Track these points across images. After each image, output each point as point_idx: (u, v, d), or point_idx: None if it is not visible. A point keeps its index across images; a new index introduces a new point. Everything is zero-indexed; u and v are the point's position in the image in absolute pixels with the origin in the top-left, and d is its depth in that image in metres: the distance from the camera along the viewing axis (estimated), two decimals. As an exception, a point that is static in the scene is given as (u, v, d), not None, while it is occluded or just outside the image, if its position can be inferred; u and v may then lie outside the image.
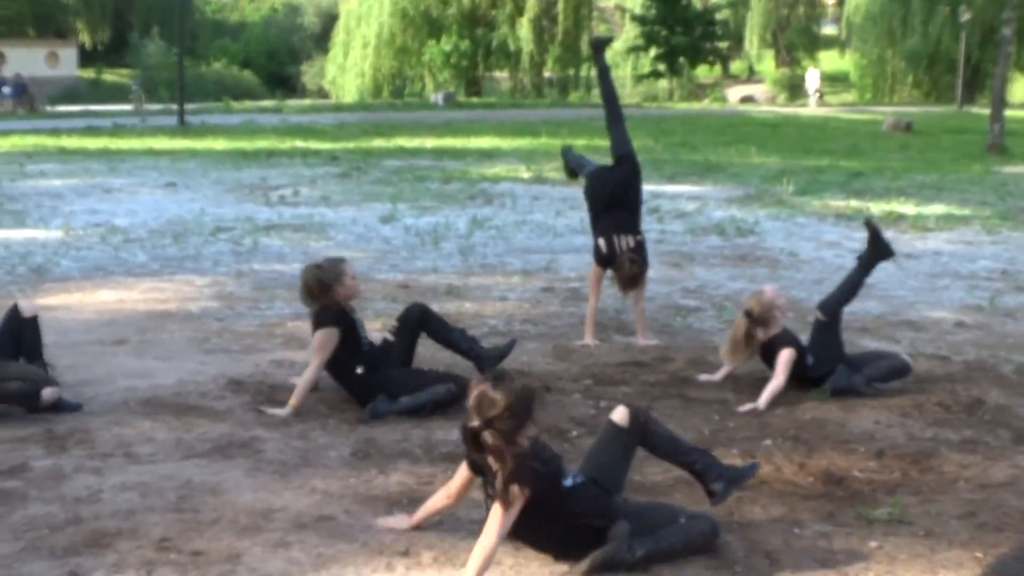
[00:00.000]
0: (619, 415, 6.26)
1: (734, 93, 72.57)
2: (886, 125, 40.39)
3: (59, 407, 7.94)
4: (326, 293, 8.28)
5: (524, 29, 65.26)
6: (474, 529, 6.05)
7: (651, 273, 11.30)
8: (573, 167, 10.93)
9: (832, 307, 9.18)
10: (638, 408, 6.41)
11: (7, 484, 6.64)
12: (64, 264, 13.65)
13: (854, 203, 19.77)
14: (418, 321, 8.71)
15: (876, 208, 18.92)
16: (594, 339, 10.19)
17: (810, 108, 59.36)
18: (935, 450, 7.56)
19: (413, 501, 6.32)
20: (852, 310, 11.43)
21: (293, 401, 8.04)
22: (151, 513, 6.26)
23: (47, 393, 7.83)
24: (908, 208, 19.06)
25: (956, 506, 6.61)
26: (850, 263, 13.39)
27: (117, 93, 64.76)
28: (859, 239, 15.09)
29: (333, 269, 8.41)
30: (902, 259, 13.69)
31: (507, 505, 5.36)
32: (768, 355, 8.80)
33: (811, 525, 6.28)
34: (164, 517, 6.19)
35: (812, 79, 65.42)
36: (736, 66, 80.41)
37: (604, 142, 11.32)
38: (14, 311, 8.40)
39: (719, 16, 74.33)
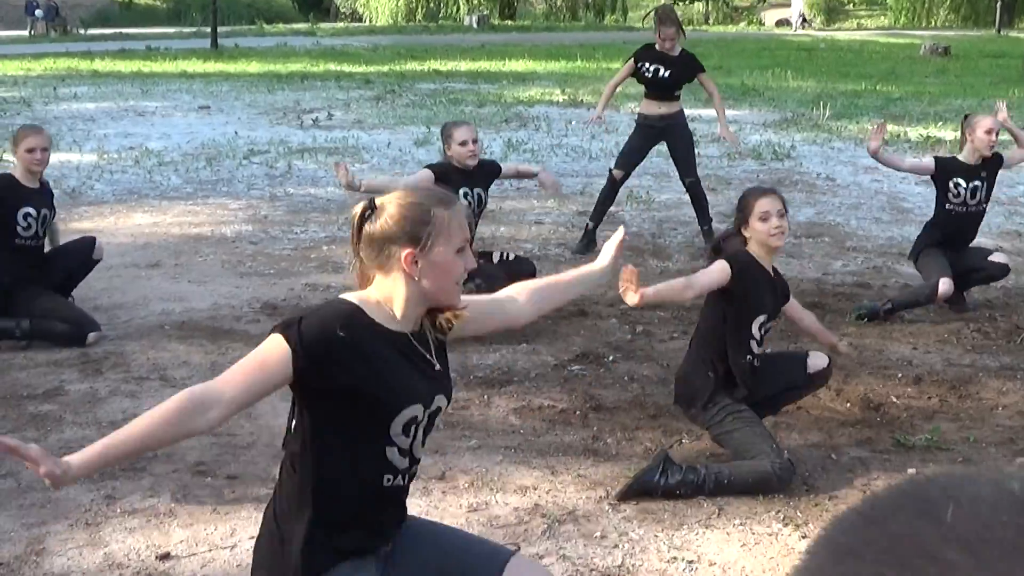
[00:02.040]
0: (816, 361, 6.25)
1: (770, 16, 71.87)
2: (923, 49, 39.92)
3: None
4: (445, 145, 8.54)
5: (558, -49, 64.76)
6: (509, 454, 6.05)
7: (685, 198, 11.27)
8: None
9: None
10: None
11: (43, 407, 6.66)
12: (98, 187, 13.65)
13: (891, 128, 19.57)
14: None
15: (913, 133, 18.74)
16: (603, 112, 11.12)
17: (793, 30, 58.97)
18: (973, 376, 7.50)
19: (448, 425, 6.30)
20: (890, 235, 11.39)
21: (362, 184, 8.12)
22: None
23: (91, 338, 7.85)
24: (946, 133, 18.84)
25: (994, 433, 6.57)
26: (888, 187, 13.30)
27: (150, 16, 64.65)
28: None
29: (447, 127, 8.64)
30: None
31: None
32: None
33: (848, 451, 6.25)
34: (199, 441, 6.19)
35: (796, 3, 64.68)
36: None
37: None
38: (90, 247, 8.39)
39: (756, -62, 73.57)
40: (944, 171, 8.69)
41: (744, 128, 19.06)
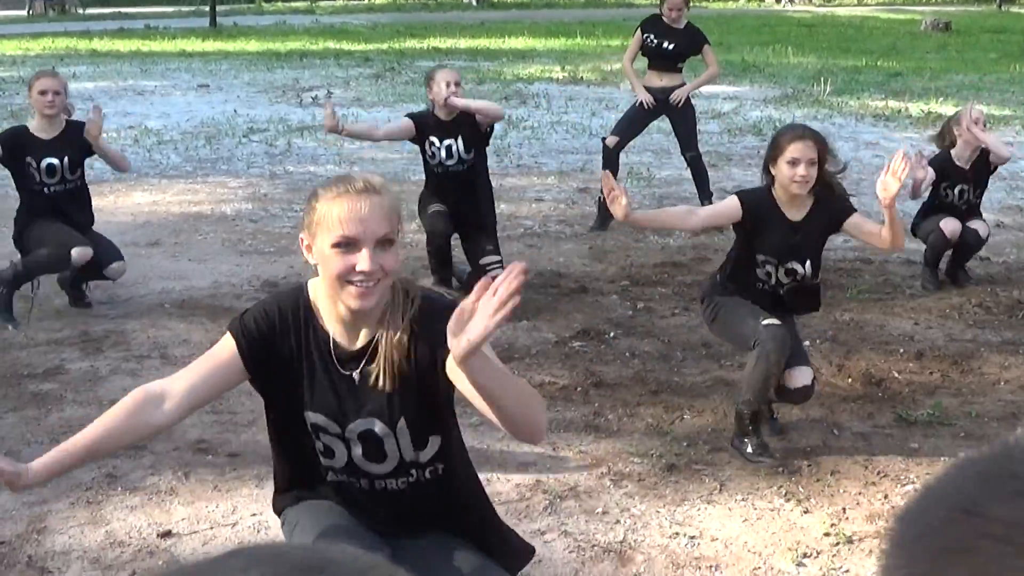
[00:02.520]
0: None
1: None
2: (924, 25, 39.81)
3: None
4: (427, 90, 8.46)
5: (558, -72, 64.52)
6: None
7: (686, 174, 11.26)
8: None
9: None
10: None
11: (43, 386, 6.66)
12: (97, 166, 13.54)
13: (892, 103, 19.52)
14: None
15: (915, 109, 18.69)
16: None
17: (782, 6, 58.82)
18: (975, 351, 7.49)
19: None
20: (891, 210, 11.35)
21: (344, 128, 8.15)
22: (187, 415, 6.25)
23: (76, 253, 7.78)
24: (947, 109, 18.77)
25: (996, 407, 6.56)
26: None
27: (149, -5, 64.40)
28: (898, 139, 14.95)
29: (431, 71, 8.53)
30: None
31: None
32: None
33: (850, 427, 6.25)
34: (200, 419, 6.19)
35: None
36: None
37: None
38: (112, 258, 8.25)
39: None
40: (937, 175, 8.72)
41: (744, 104, 19.03)
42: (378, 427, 3.30)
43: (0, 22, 42.14)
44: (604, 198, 10.50)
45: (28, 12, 51.43)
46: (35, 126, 8.03)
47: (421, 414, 3.32)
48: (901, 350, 7.48)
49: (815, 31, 37.92)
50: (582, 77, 23.46)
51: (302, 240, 3.24)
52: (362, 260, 3.09)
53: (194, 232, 10.42)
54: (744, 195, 5.92)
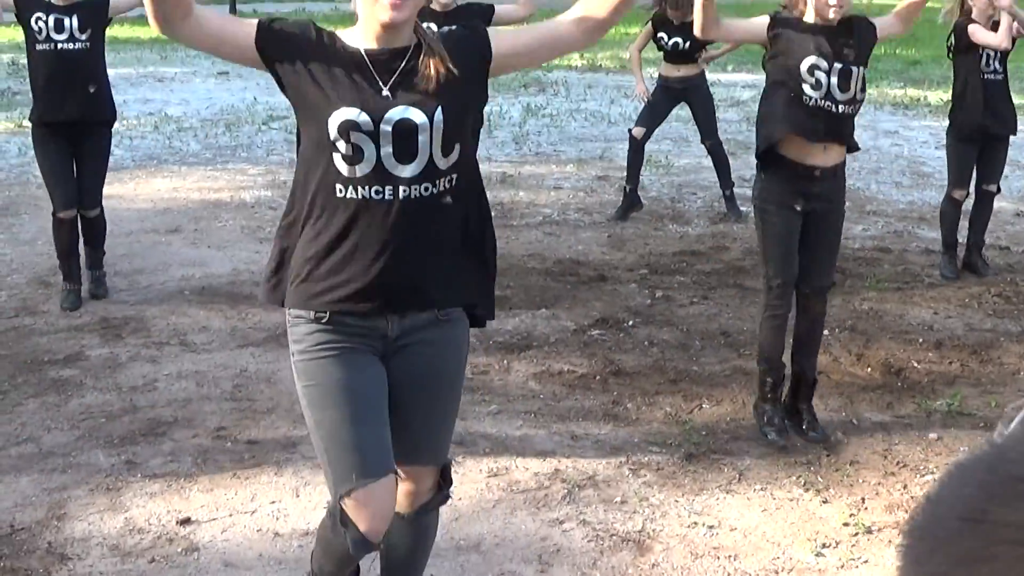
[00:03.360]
0: None
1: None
2: (944, 13, 39.67)
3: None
4: None
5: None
6: (529, 420, 6.05)
7: (705, 162, 11.25)
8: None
9: None
10: None
11: (64, 372, 6.68)
12: (118, 153, 13.62)
13: (911, 92, 19.46)
14: None
15: (934, 97, 18.63)
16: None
17: None
18: (994, 341, 7.47)
19: (468, 391, 6.30)
20: (910, 199, 11.36)
21: None
22: (207, 402, 6.28)
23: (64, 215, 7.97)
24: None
25: (1016, 397, 6.50)
26: (908, 151, 13.24)
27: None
28: (915, 127, 14.91)
29: None
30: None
31: None
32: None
33: (870, 416, 6.24)
34: (220, 406, 6.21)
35: None
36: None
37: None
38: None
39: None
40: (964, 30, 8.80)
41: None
42: (416, 115, 3.36)
43: (20, 8, 42.20)
44: (630, 188, 10.51)
45: None
46: None
47: (453, 112, 3.40)
48: (920, 339, 7.47)
49: (835, 19, 37.76)
50: (601, 65, 23.44)
51: None
52: None
53: (213, 219, 10.43)
54: (772, 13, 5.80)
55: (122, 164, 12.88)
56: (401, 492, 3.66)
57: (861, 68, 5.71)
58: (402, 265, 3.42)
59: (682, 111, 11.25)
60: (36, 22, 7.75)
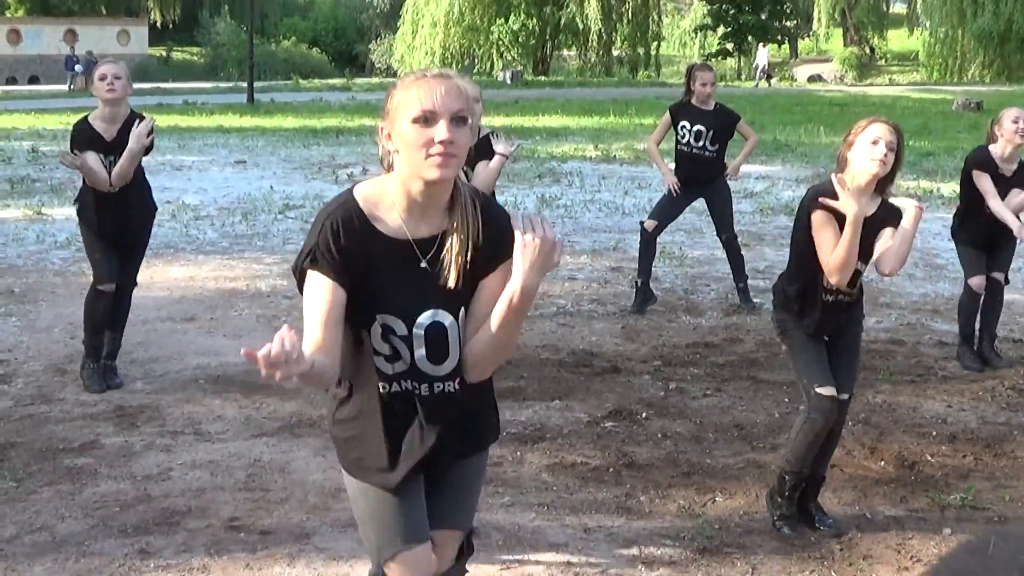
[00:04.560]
0: None
1: (802, 72, 71.96)
2: (956, 104, 39.88)
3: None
4: None
5: (592, 8, 64.98)
6: (542, 512, 6.05)
7: (719, 254, 11.28)
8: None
9: None
10: None
11: (78, 461, 6.69)
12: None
13: (924, 183, 19.54)
14: None
15: (947, 189, 18.69)
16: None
17: (754, 86, 58.99)
18: (1008, 434, 7.47)
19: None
20: (923, 291, 11.37)
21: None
22: (220, 491, 6.29)
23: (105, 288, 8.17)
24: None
25: (1031, 492, 6.52)
26: (921, 244, 13.26)
27: (187, 71, 65.25)
28: (929, 218, 14.94)
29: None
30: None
31: None
32: None
33: (883, 510, 6.22)
34: (233, 496, 6.22)
35: (761, 58, 64.63)
36: (804, 45, 79.65)
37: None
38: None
39: (788, -5, 73.68)
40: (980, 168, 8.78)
41: (777, 184, 19.09)
42: (446, 319, 3.51)
43: (42, 96, 42.68)
44: (642, 281, 10.53)
45: (69, 87, 52.13)
46: (96, 115, 8.08)
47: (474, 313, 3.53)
48: (934, 433, 7.46)
49: (847, 110, 38.01)
50: (615, 156, 23.59)
51: (381, 130, 3.45)
52: (440, 130, 3.30)
53: (229, 308, 10.48)
54: (811, 189, 5.85)
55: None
56: None
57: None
58: (439, 440, 3.64)
59: (696, 203, 11.30)
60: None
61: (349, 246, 3.40)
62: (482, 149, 7.88)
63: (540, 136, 27.75)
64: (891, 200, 5.80)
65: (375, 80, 61.68)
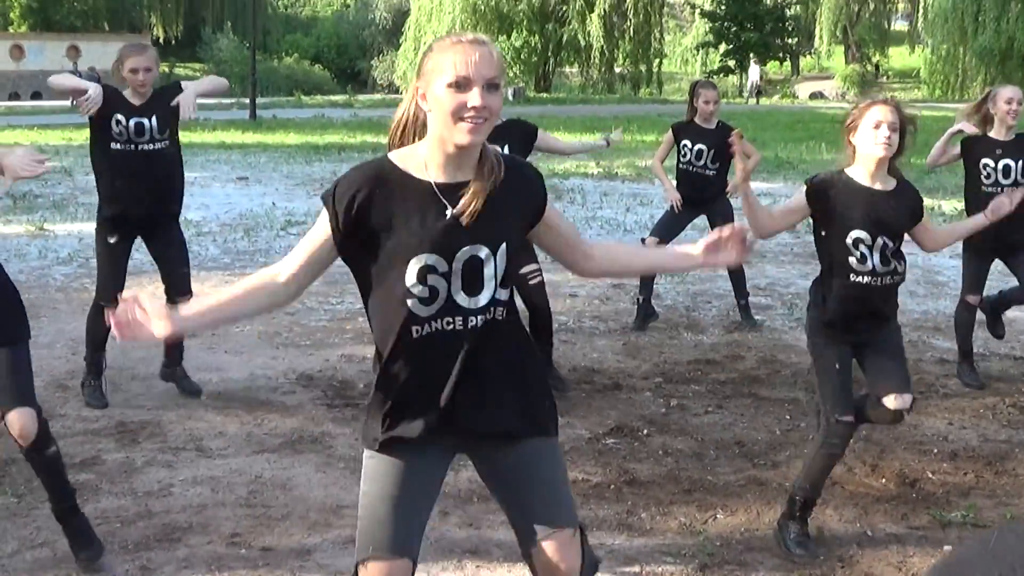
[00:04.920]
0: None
1: (804, 89, 72.06)
2: (962, 115, 39.78)
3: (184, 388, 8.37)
4: None
5: (594, 25, 65.13)
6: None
7: (720, 271, 11.28)
8: None
9: None
10: None
11: (79, 477, 6.69)
12: (136, 257, 13.61)
13: (927, 200, 19.49)
14: None
15: (948, 206, 18.71)
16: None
17: (745, 102, 59.02)
18: (1009, 452, 7.47)
19: (483, 498, 6.30)
20: (924, 309, 11.37)
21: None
22: (221, 508, 6.29)
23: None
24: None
25: (1032, 509, 6.52)
26: (923, 261, 13.27)
27: (189, 87, 65.17)
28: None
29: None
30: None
31: None
32: None
33: (884, 528, 6.22)
34: (234, 512, 6.23)
35: (753, 74, 64.67)
36: (806, 62, 79.75)
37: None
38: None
39: (789, 12, 73.70)
40: (971, 151, 8.66)
41: (779, 201, 19.06)
42: (483, 252, 3.60)
43: (45, 112, 42.74)
44: (643, 299, 10.53)
45: (72, 103, 52.12)
46: (128, 94, 8.08)
47: (512, 246, 3.66)
48: (935, 450, 7.47)
49: (850, 128, 37.96)
50: (617, 173, 23.61)
51: (416, 90, 3.62)
52: (473, 97, 3.47)
53: (230, 324, 10.48)
54: (806, 181, 5.86)
55: (141, 268, 12.95)
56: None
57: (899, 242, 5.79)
58: (471, 388, 3.67)
59: (698, 219, 11.30)
60: (116, 124, 7.93)
61: (376, 196, 3.56)
62: (509, 131, 8.08)
63: (541, 152, 27.71)
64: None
65: (377, 96, 61.79)
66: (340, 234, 3.56)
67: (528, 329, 4.00)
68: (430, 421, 3.67)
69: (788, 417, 8.07)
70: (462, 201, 3.56)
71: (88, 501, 6.35)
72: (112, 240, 8.13)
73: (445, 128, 3.52)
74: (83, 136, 29.41)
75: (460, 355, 3.62)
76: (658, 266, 4.16)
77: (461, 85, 3.46)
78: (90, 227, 14.93)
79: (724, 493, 6.67)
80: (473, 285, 3.60)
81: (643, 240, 10.84)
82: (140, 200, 8.00)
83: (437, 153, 3.60)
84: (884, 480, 6.94)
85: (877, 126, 5.57)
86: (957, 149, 8.81)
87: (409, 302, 3.58)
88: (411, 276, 3.55)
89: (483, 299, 3.62)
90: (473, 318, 3.61)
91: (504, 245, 3.62)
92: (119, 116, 7.92)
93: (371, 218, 3.55)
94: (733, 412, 8.16)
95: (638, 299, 10.71)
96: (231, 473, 6.83)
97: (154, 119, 7.96)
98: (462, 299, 3.59)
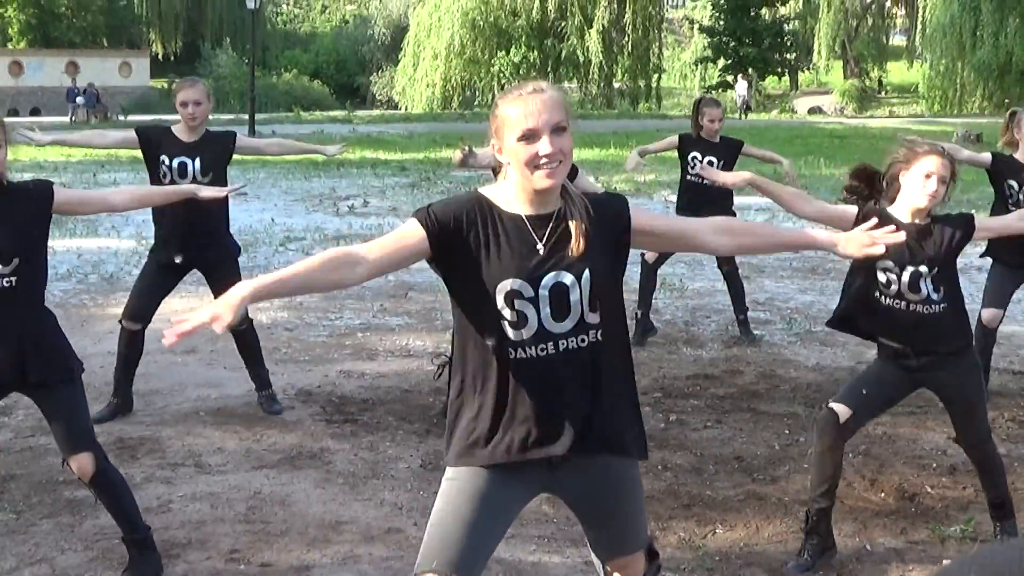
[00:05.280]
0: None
1: (802, 104, 72.13)
2: (956, 136, 39.80)
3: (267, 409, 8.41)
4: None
5: (593, 40, 65.13)
6: (542, 544, 6.04)
7: (720, 285, 11.28)
8: None
9: None
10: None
11: (78, 493, 6.68)
12: (136, 273, 13.69)
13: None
14: None
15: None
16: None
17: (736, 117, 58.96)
18: (1008, 466, 7.42)
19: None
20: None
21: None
22: (220, 524, 6.29)
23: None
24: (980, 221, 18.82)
25: (1031, 524, 6.52)
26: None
27: (188, 103, 65.21)
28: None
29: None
30: (973, 272, 13.53)
31: None
32: None
33: (883, 542, 6.22)
34: (233, 528, 6.22)
35: (740, 89, 64.66)
36: (804, 77, 79.81)
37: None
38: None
39: (788, 27, 73.75)
40: (999, 171, 8.62)
41: (777, 216, 19.08)
42: (567, 279, 3.72)
43: (43, 128, 42.65)
44: (642, 313, 10.53)
45: (71, 119, 52.28)
46: (178, 129, 8.15)
47: (597, 272, 3.76)
48: (934, 464, 7.46)
49: (847, 143, 38.08)
50: (616, 188, 23.61)
51: (493, 145, 3.79)
52: (543, 145, 3.65)
53: (230, 340, 10.40)
54: (861, 205, 5.85)
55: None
56: None
57: (939, 271, 5.80)
58: (562, 413, 3.78)
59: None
60: (161, 165, 8.03)
61: (467, 221, 3.73)
62: None
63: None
64: None
65: (376, 112, 61.83)
66: (436, 245, 3.70)
67: None
68: (515, 443, 3.78)
69: (787, 432, 8.07)
70: (571, 245, 3.73)
71: (87, 517, 6.35)
72: (152, 266, 8.33)
73: (524, 178, 3.71)
74: (81, 153, 29.47)
75: (553, 379, 3.75)
76: (789, 243, 4.34)
77: (530, 137, 3.65)
78: (88, 243, 14.92)
79: (723, 508, 6.67)
80: (560, 311, 3.72)
81: (642, 255, 10.83)
82: (183, 241, 8.13)
83: (522, 192, 3.77)
84: (883, 494, 6.94)
85: (928, 176, 5.59)
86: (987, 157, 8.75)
87: (503, 324, 3.72)
88: (499, 301, 3.70)
89: (571, 323, 3.74)
90: (565, 342, 3.73)
91: (587, 272, 3.73)
92: (164, 156, 7.98)
93: (468, 241, 3.72)
94: (732, 427, 8.16)
95: (636, 313, 10.70)
96: (230, 489, 6.83)
97: (197, 161, 8.01)
98: (551, 325, 3.72)
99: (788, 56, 73.45)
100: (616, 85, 70.00)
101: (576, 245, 3.72)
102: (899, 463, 7.46)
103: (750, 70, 68.63)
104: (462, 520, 3.77)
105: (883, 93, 76.07)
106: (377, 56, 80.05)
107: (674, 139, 10.87)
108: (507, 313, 3.70)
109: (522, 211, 3.77)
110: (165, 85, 73.78)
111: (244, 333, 8.44)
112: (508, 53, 65.48)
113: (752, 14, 69.44)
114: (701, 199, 10.48)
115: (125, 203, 6.17)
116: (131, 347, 8.27)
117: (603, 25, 65.18)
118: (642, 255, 10.93)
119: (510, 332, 3.72)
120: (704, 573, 5.79)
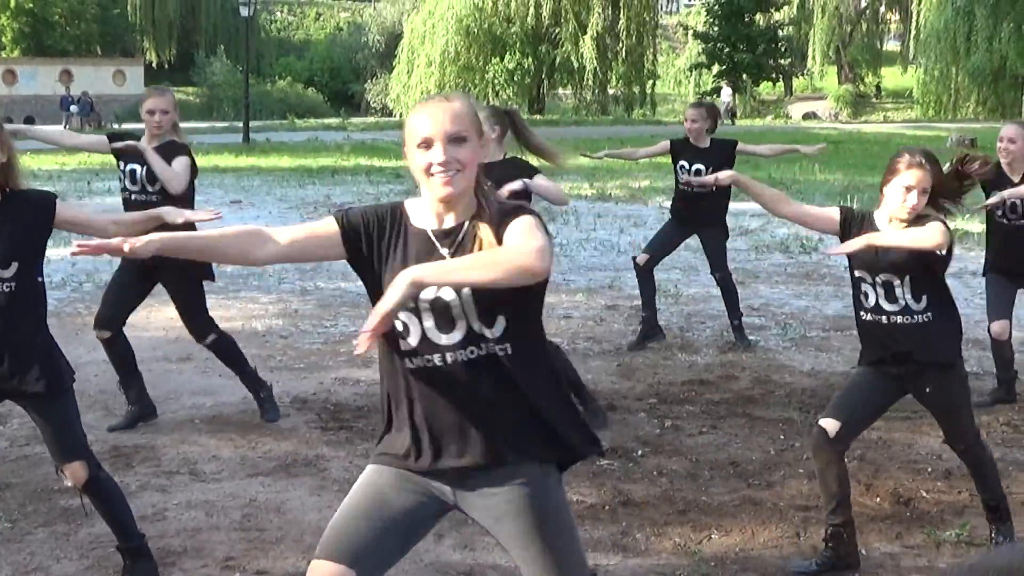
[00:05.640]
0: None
1: (797, 109, 72.20)
2: (950, 142, 39.88)
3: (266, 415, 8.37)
4: None
5: (587, 47, 65.14)
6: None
7: (714, 291, 11.29)
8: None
9: None
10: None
11: (73, 501, 6.68)
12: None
13: (958, 224, 19.51)
14: None
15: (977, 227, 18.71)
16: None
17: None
18: (1003, 471, 7.43)
19: (474, 520, 6.29)
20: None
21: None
22: (216, 531, 6.29)
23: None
24: (974, 225, 18.86)
25: (1026, 528, 6.52)
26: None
27: (183, 110, 65.10)
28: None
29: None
30: (967, 276, 13.54)
31: None
32: None
33: (879, 547, 6.23)
34: (229, 536, 6.22)
35: (725, 96, 64.68)
36: (799, 83, 79.92)
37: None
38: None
39: (782, 33, 73.84)
40: (989, 183, 8.61)
41: (772, 221, 19.10)
42: (448, 294, 3.67)
43: (38, 138, 42.63)
44: (647, 315, 10.53)
45: (64, 127, 52.16)
46: (145, 137, 8.17)
47: (480, 289, 3.62)
48: (929, 469, 7.47)
49: (841, 148, 38.11)
50: (610, 194, 23.65)
51: (405, 154, 3.80)
52: (435, 153, 3.65)
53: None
54: (846, 208, 5.94)
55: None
56: None
57: (910, 279, 5.76)
58: (468, 424, 3.75)
59: (691, 240, 11.32)
60: (120, 171, 8.20)
61: (379, 229, 3.79)
62: (507, 169, 8.04)
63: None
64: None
65: (371, 120, 61.85)
66: (350, 247, 3.78)
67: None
68: (410, 443, 3.81)
69: (782, 437, 8.07)
70: (464, 246, 3.70)
71: (82, 526, 6.35)
72: (122, 272, 8.23)
73: (424, 186, 3.73)
74: (76, 161, 29.47)
75: (454, 390, 3.73)
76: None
77: (425, 144, 3.67)
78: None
79: (718, 513, 6.67)
80: (445, 323, 3.70)
81: (635, 258, 10.85)
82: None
83: (431, 203, 3.77)
84: (878, 499, 6.94)
85: (909, 189, 5.63)
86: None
87: (395, 332, 3.73)
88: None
89: (458, 336, 3.70)
90: (453, 354, 3.70)
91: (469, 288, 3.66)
92: (120, 161, 8.02)
93: (378, 249, 3.78)
94: (727, 432, 8.16)
95: (642, 316, 10.70)
96: (225, 497, 6.82)
97: (145, 169, 8.01)
98: (436, 336, 3.71)
99: (782, 62, 73.56)
100: (611, 91, 70.07)
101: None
102: (894, 468, 7.47)
103: (744, 76, 68.69)
104: (354, 512, 3.83)
105: (877, 98, 76.14)
106: (371, 63, 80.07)
107: (666, 144, 10.88)
108: (396, 323, 3.69)
109: (430, 224, 3.77)
110: (160, 94, 73.90)
111: (216, 344, 8.38)
112: (503, 60, 65.49)
113: (746, 20, 69.55)
114: (693, 207, 10.52)
115: (119, 234, 6.19)
116: (113, 353, 8.25)
117: (597, 31, 65.23)
118: (633, 258, 10.94)
119: (400, 341, 3.74)
120: (700, 579, 5.79)
